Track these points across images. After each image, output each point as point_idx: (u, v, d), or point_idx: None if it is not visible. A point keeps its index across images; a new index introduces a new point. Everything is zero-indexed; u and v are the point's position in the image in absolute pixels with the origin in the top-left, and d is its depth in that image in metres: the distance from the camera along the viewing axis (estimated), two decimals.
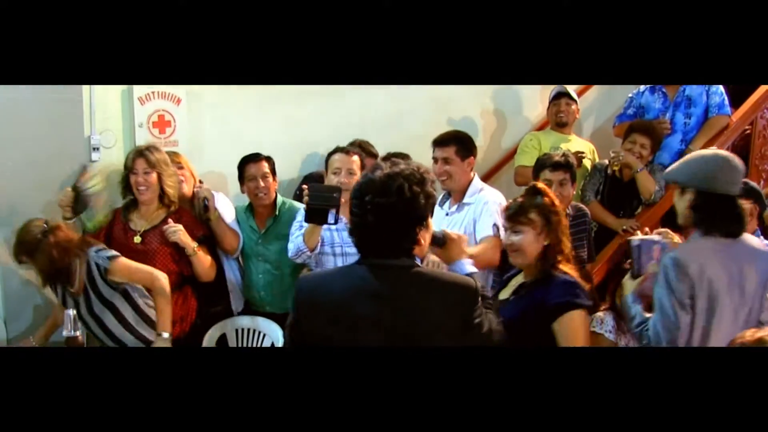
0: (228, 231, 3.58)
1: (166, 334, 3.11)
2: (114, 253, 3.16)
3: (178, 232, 3.26)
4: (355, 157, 3.38)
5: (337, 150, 3.44)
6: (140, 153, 3.33)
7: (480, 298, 1.95)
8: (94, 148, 3.64)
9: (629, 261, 2.67)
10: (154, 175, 3.31)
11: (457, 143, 3.31)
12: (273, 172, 3.62)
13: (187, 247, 3.31)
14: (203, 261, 3.38)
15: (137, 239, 3.33)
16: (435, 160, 3.37)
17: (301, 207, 3.56)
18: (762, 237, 3.02)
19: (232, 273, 3.71)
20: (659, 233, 2.80)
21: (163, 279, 3.15)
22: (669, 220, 4.03)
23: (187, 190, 3.59)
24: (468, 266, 2.27)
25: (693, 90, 4.23)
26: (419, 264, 1.95)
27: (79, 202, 3.40)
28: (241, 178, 3.61)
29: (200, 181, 3.64)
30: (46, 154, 3.50)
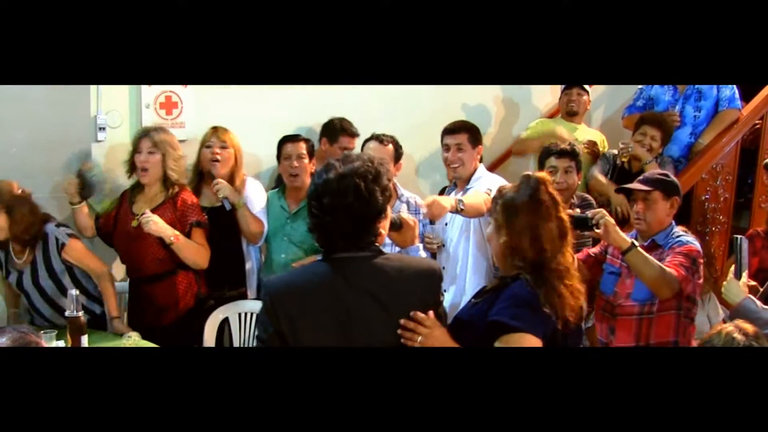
0: (252, 220, 3.52)
1: (116, 321, 3.19)
2: (72, 232, 3.22)
3: (150, 222, 3.15)
4: (390, 146, 3.42)
5: (372, 138, 3.48)
6: (146, 132, 3.32)
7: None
8: (100, 128, 3.64)
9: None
10: (157, 156, 3.28)
11: (467, 131, 3.41)
12: (310, 154, 3.60)
13: (163, 237, 3.22)
14: (187, 249, 3.28)
15: (134, 223, 3.28)
16: (447, 147, 3.42)
17: None
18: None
19: (252, 257, 3.68)
20: (594, 213, 2.79)
21: (107, 277, 3.19)
22: (677, 212, 4.03)
23: (222, 171, 3.52)
24: (420, 252, 2.33)
25: None
26: (384, 251, 1.97)
27: (84, 187, 3.43)
28: (279, 156, 3.64)
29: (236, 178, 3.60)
30: (52, 132, 3.50)
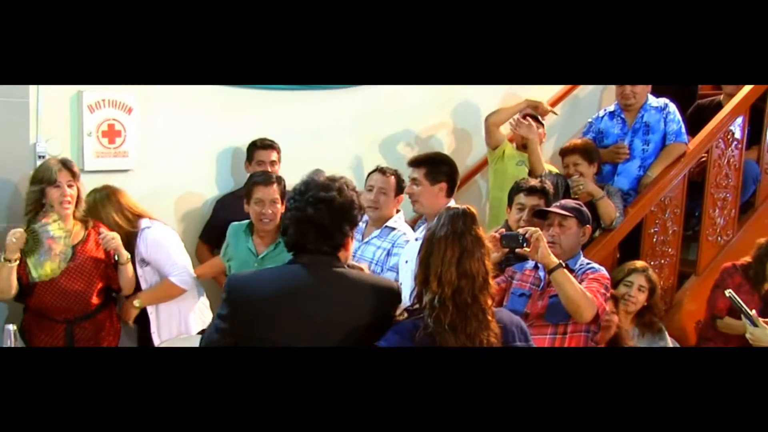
0: (205, 269, 3.62)
1: None
2: None
3: (115, 239, 3.15)
4: (392, 178, 3.57)
5: (376, 170, 3.59)
6: (64, 164, 3.14)
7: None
8: (39, 156, 3.47)
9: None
10: (75, 189, 3.15)
11: (427, 165, 3.27)
12: (282, 195, 3.34)
13: (121, 256, 3.19)
14: (130, 272, 3.27)
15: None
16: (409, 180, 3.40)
17: None
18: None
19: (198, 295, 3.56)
20: (526, 230, 2.78)
21: None
22: (626, 245, 4.06)
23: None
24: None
25: (651, 117, 4.26)
26: (345, 266, 2.08)
27: (30, 244, 3.09)
28: (248, 196, 3.36)
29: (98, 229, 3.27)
30: None
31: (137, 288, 3.39)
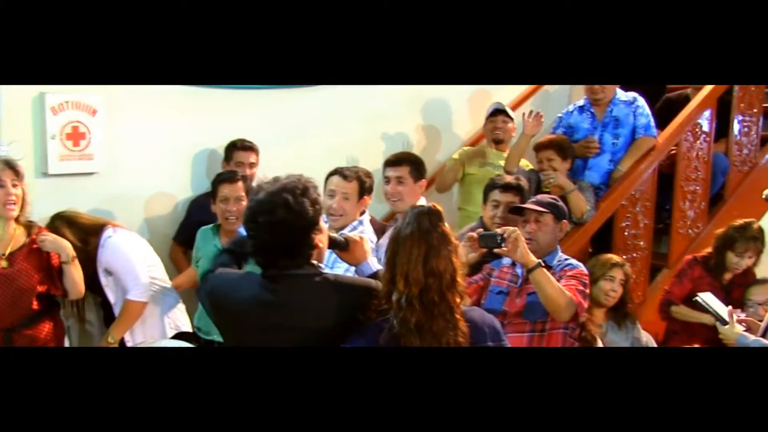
0: (182, 279, 3.51)
1: None
2: None
3: (55, 240, 3.00)
4: (354, 182, 3.15)
5: (336, 172, 3.24)
6: (7, 163, 2.98)
7: None
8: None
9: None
10: (20, 189, 2.99)
11: (410, 164, 3.34)
12: (248, 193, 3.32)
13: (62, 253, 3.02)
14: (78, 271, 3.08)
15: (4, 263, 2.98)
16: (387, 180, 3.36)
17: None
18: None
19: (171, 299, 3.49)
20: (504, 230, 2.77)
21: None
22: (599, 239, 4.07)
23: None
24: (374, 265, 2.28)
25: (620, 111, 4.28)
26: (321, 270, 2.05)
27: None
28: (214, 195, 3.38)
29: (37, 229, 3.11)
30: None
31: (105, 299, 3.31)
